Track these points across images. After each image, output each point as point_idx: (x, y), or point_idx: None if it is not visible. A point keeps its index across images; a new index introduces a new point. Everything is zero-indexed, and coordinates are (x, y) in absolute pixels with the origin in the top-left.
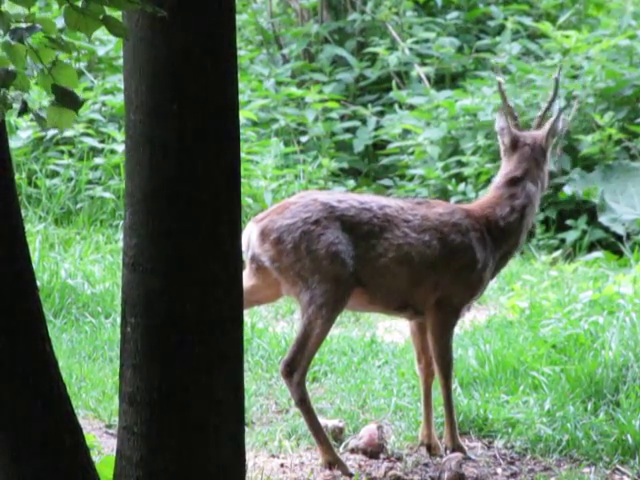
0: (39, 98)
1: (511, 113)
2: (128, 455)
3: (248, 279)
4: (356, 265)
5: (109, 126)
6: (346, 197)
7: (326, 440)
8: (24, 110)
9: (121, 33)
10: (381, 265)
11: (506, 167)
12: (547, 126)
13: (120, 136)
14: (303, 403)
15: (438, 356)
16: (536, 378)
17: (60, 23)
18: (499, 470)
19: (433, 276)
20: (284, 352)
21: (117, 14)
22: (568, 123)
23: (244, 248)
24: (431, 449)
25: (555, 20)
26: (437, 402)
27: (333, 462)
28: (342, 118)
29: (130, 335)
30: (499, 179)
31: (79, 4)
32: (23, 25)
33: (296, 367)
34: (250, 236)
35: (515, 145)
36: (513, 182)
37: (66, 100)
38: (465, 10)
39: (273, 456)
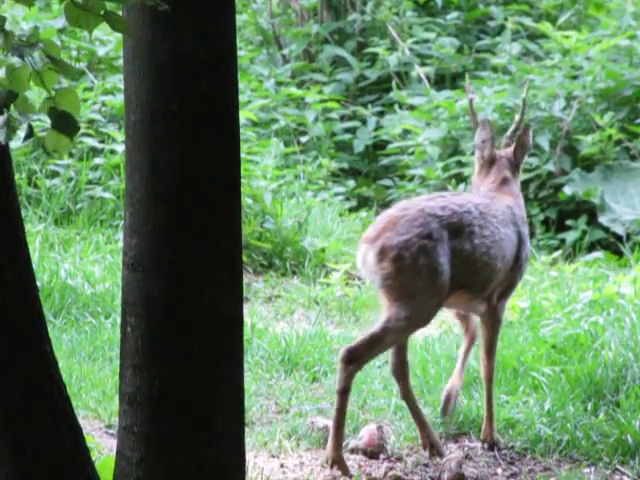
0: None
1: (490, 126)
2: (128, 455)
3: None
4: (457, 271)
5: (109, 126)
6: (446, 202)
7: (340, 438)
8: (30, 135)
9: (122, 28)
10: (483, 263)
11: (488, 178)
12: (515, 142)
13: (120, 136)
14: (344, 394)
15: (491, 347)
16: (536, 378)
17: (60, 23)
18: (499, 470)
19: (510, 267)
20: (284, 352)
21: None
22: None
23: (359, 266)
24: (432, 448)
25: (555, 20)
26: (436, 402)
27: (336, 461)
28: (342, 118)
29: (130, 335)
30: (490, 185)
31: (80, 0)
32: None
33: (357, 359)
34: (365, 257)
35: (493, 159)
36: (505, 182)
37: (62, 124)
38: (465, 10)
39: (273, 456)
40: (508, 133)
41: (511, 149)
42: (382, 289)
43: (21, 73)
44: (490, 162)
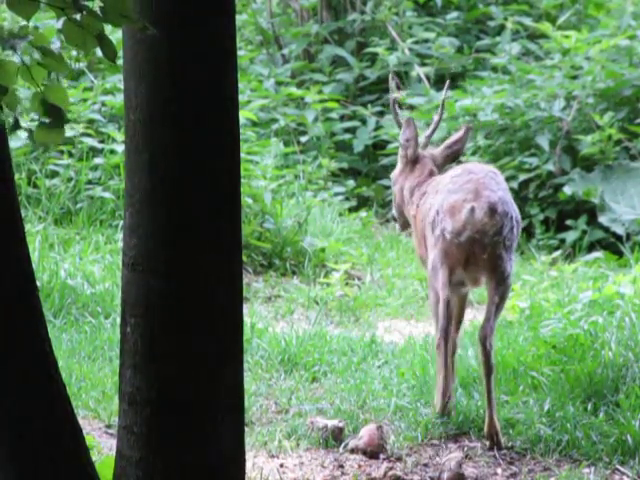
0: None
1: (414, 125)
2: (128, 455)
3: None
4: None
5: (109, 126)
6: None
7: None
8: (16, 127)
9: (112, 56)
10: None
11: (413, 174)
12: (445, 144)
13: (120, 136)
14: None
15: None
16: (536, 378)
17: (60, 24)
18: (499, 470)
19: None
20: (284, 352)
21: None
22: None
23: (458, 230)
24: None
25: (555, 20)
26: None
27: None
28: (342, 118)
29: (130, 335)
30: (417, 179)
31: (77, 17)
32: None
33: (490, 334)
34: (473, 214)
35: (417, 157)
36: (432, 175)
37: (50, 116)
38: (465, 10)
39: (272, 456)
40: (427, 132)
41: (438, 149)
42: (489, 247)
43: (9, 67)
44: (414, 160)
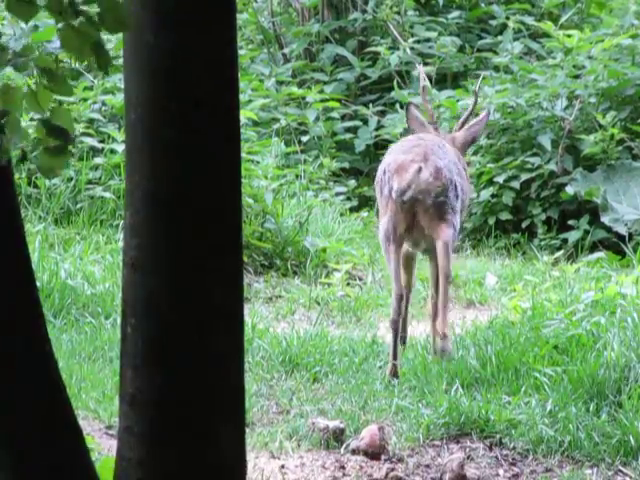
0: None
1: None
2: (128, 456)
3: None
4: None
5: (109, 126)
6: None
7: None
8: (23, 159)
9: (105, 66)
10: None
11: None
12: (465, 127)
13: (120, 136)
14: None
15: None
16: (538, 379)
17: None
18: (501, 471)
19: None
20: (285, 353)
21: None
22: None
23: (402, 189)
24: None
25: (557, 19)
26: (438, 403)
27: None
28: (343, 118)
29: (130, 335)
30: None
31: (75, 23)
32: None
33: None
34: (419, 174)
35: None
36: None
37: (56, 134)
38: (467, 9)
39: (274, 457)
40: (461, 119)
41: (459, 132)
42: (431, 208)
43: (15, 93)
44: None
